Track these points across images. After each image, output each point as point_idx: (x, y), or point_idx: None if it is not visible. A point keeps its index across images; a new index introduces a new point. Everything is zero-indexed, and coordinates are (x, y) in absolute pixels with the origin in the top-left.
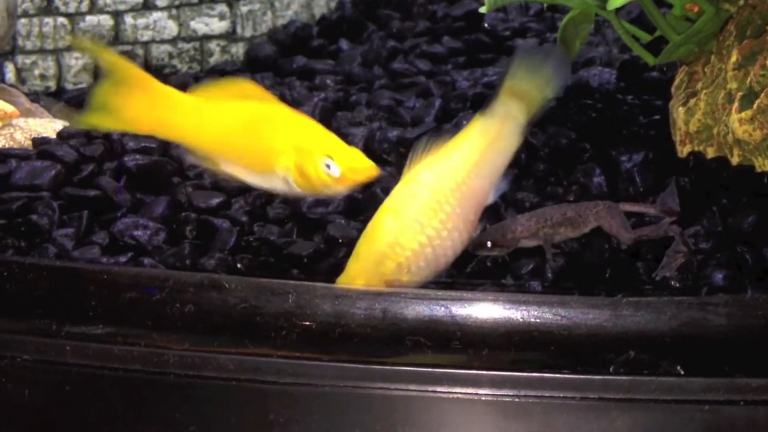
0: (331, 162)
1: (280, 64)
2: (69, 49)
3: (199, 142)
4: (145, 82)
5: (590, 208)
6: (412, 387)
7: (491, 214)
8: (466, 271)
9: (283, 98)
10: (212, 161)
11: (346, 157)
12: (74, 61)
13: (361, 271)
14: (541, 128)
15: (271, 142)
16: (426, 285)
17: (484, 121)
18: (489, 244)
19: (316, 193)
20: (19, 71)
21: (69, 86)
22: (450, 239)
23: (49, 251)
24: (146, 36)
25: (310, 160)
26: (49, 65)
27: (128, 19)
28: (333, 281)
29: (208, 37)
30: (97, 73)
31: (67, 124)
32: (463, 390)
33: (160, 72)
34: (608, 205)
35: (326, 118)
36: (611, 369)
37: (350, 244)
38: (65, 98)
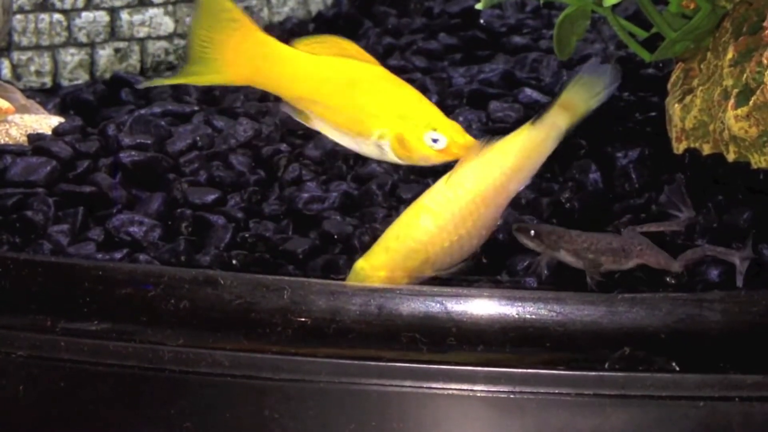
0: (438, 135)
1: None
2: (65, 45)
3: (296, 95)
4: (246, 28)
5: (634, 244)
6: (407, 383)
7: None
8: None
9: None
10: (305, 116)
11: (451, 131)
12: (70, 58)
13: (389, 263)
14: None
15: (372, 106)
16: (421, 281)
17: (532, 129)
18: (533, 232)
19: (412, 163)
20: (14, 67)
21: (65, 83)
22: (477, 237)
23: (45, 247)
24: (142, 32)
25: (414, 131)
26: (44, 62)
27: (124, 16)
28: (328, 277)
29: None
30: (92, 69)
31: (62, 120)
32: (459, 386)
33: (156, 69)
34: (652, 246)
35: None
36: (606, 365)
37: (345, 241)
38: (61, 95)
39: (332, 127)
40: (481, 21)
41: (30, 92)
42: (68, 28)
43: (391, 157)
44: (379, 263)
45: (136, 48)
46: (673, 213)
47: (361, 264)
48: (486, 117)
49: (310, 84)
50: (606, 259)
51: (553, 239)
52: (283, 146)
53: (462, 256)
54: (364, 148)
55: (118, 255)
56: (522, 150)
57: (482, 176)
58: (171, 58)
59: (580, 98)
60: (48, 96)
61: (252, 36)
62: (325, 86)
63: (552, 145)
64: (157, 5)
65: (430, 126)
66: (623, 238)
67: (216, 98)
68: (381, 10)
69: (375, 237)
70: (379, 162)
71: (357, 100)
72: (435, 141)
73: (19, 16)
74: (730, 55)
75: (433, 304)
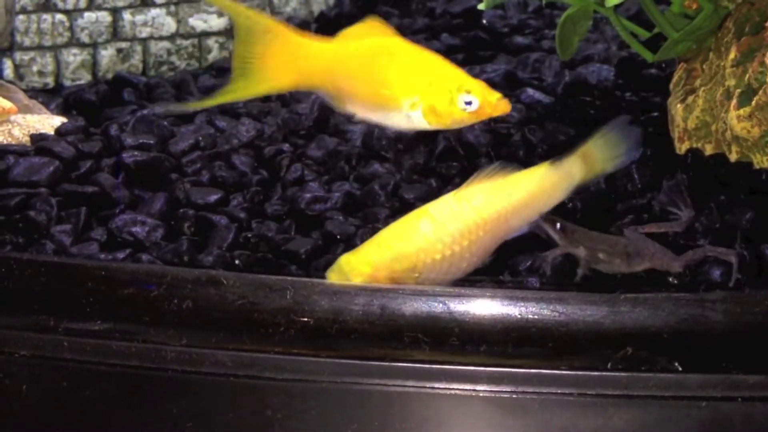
0: (470, 96)
1: None
2: (67, 45)
3: (331, 84)
4: (282, 35)
5: (648, 249)
6: (410, 383)
7: None
8: None
9: (281, 95)
10: (341, 101)
11: (482, 91)
12: (72, 58)
13: (376, 261)
14: (539, 125)
15: (399, 80)
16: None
17: (548, 170)
18: (558, 225)
19: (445, 127)
20: (17, 68)
21: (67, 83)
22: (466, 261)
23: (47, 247)
24: (144, 33)
25: (447, 95)
26: (47, 62)
27: (126, 16)
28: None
29: (206, 34)
30: (95, 69)
31: (64, 120)
32: (461, 386)
33: (158, 69)
34: (662, 250)
35: (325, 114)
36: (609, 365)
37: (348, 241)
38: (63, 95)
39: (365, 107)
40: (484, 21)
41: (33, 92)
42: (71, 29)
43: (422, 124)
44: (366, 259)
45: (138, 48)
46: (673, 211)
47: (347, 258)
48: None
49: (340, 71)
50: (620, 262)
51: (574, 235)
52: (286, 146)
53: (446, 277)
54: (396, 120)
55: (120, 255)
56: (535, 187)
57: (491, 200)
58: (173, 58)
59: (600, 155)
60: (50, 96)
61: (288, 41)
62: (351, 69)
63: (563, 193)
64: (160, 5)
65: (463, 88)
66: (636, 242)
67: None
68: (383, 11)
69: None
70: (381, 162)
71: (380, 75)
72: (468, 103)
73: (21, 17)
74: (732, 56)
75: (436, 305)
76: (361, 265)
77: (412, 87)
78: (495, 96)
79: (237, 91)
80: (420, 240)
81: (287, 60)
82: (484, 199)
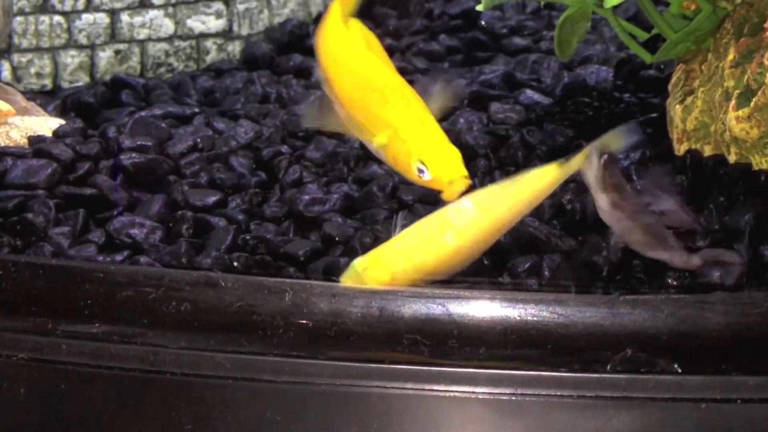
0: (423, 167)
1: (276, 62)
2: (65, 47)
3: (326, 71)
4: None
5: (667, 238)
6: (408, 385)
7: None
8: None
9: (279, 96)
10: (330, 90)
11: (438, 167)
12: (70, 60)
13: (396, 269)
14: (538, 126)
15: (378, 114)
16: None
17: (558, 170)
18: (606, 158)
19: (405, 177)
20: (15, 69)
21: (65, 85)
22: (472, 257)
23: (45, 249)
24: (142, 34)
25: (406, 156)
26: (45, 63)
27: (124, 18)
28: (330, 279)
29: (204, 36)
30: (93, 71)
31: (62, 122)
32: (460, 388)
33: (156, 71)
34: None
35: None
36: (608, 367)
37: (347, 243)
38: (61, 97)
39: (345, 114)
40: (482, 22)
41: (30, 94)
42: (68, 30)
43: (387, 164)
44: (387, 268)
45: (136, 50)
46: (652, 199)
47: (363, 263)
48: (487, 118)
49: (335, 62)
50: (639, 240)
51: (615, 182)
52: (284, 148)
53: (447, 273)
54: (370, 146)
55: (119, 257)
56: (543, 187)
57: (508, 204)
58: (171, 59)
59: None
60: (48, 98)
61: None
62: (345, 77)
63: (557, 186)
64: (158, 7)
65: (420, 157)
66: (659, 229)
67: (216, 100)
68: (382, 12)
69: (376, 238)
70: (380, 163)
71: (368, 102)
72: (421, 172)
73: (19, 18)
74: (731, 57)
75: (435, 306)
76: (381, 273)
77: (386, 131)
78: (450, 176)
79: None
80: (441, 251)
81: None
82: (502, 203)
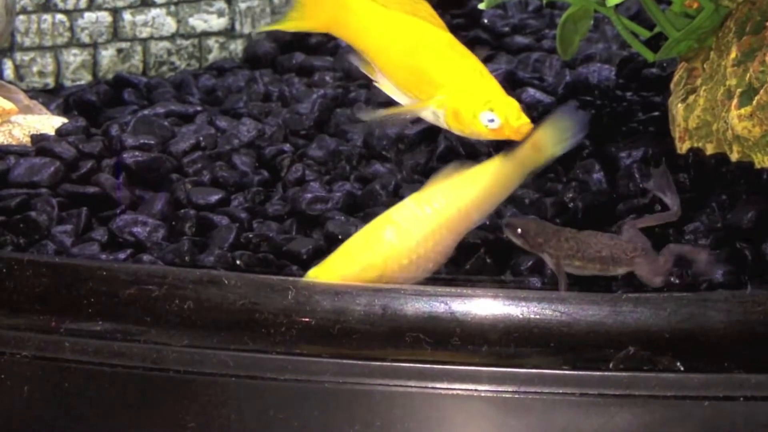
0: (493, 115)
1: (279, 60)
2: (67, 46)
3: (365, 46)
4: None
5: (627, 252)
6: (411, 383)
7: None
8: (465, 267)
9: (281, 95)
10: (370, 68)
11: (507, 111)
12: (72, 58)
13: (343, 272)
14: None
15: (433, 73)
16: (425, 281)
17: (502, 162)
18: (519, 230)
19: (464, 135)
20: (17, 68)
21: (67, 83)
22: (432, 261)
23: (48, 248)
24: (145, 33)
25: (471, 107)
26: (47, 62)
27: (126, 16)
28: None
29: (206, 34)
30: (95, 70)
31: (65, 120)
32: (463, 386)
33: (158, 69)
34: (646, 253)
35: (325, 114)
36: (611, 365)
37: None
38: (64, 95)
39: (393, 85)
40: (484, 21)
41: (33, 93)
42: (71, 29)
43: (445, 126)
44: (334, 272)
45: (138, 48)
46: (660, 197)
47: (315, 271)
48: None
49: (378, 38)
50: (593, 266)
51: (537, 241)
52: (287, 146)
53: (413, 277)
54: (422, 112)
55: (121, 255)
56: (491, 181)
57: (451, 200)
58: (173, 58)
59: (550, 141)
60: (51, 97)
61: None
62: (391, 43)
63: (516, 183)
64: (160, 5)
65: (488, 105)
66: (617, 244)
67: (219, 99)
68: None
69: None
70: (382, 162)
71: (420, 63)
72: (490, 121)
73: (21, 17)
74: (733, 55)
75: (438, 305)
76: (330, 278)
77: (445, 88)
78: (518, 121)
79: (287, 21)
80: (386, 248)
81: (325, 4)
82: (444, 200)
